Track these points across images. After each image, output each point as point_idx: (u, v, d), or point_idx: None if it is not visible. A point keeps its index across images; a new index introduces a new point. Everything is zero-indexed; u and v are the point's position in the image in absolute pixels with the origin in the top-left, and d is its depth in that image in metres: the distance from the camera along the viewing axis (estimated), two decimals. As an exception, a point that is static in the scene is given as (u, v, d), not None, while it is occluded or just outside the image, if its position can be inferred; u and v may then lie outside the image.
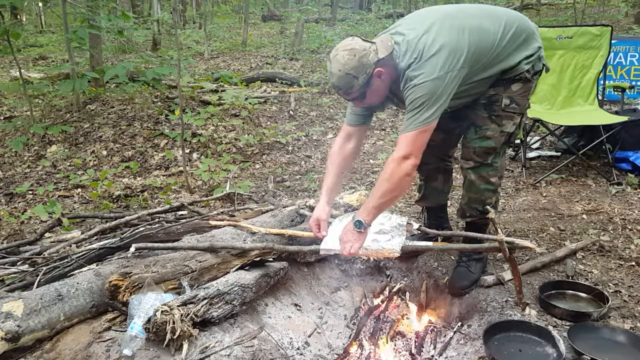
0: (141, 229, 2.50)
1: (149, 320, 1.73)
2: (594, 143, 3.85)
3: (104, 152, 4.69)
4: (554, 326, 2.07)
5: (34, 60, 9.56)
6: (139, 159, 4.56)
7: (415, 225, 2.30)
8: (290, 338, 2.08)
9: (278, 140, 4.96)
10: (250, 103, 5.86)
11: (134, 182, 4.08)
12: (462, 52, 1.95)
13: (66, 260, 2.19)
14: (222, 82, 6.97)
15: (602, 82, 4.17)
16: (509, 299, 2.25)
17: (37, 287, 1.95)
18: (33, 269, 2.22)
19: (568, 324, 2.07)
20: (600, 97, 4.16)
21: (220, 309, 1.88)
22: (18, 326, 1.68)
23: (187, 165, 4.16)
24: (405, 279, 2.60)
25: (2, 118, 5.74)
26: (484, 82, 2.12)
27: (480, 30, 2.02)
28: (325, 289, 2.51)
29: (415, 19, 2.11)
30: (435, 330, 2.26)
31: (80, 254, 2.22)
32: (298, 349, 2.05)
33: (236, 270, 2.10)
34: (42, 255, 2.39)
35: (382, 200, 2.00)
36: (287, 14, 15.87)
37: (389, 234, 2.15)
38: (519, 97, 2.16)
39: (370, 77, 1.94)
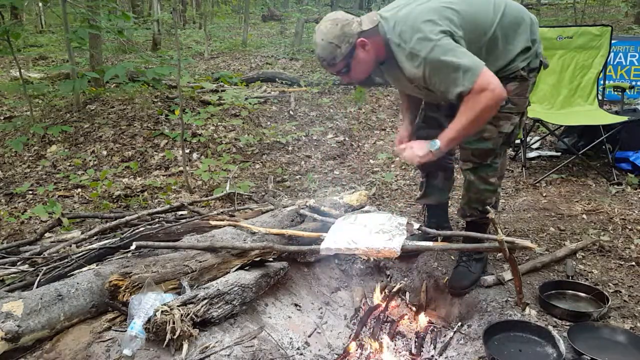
0: (141, 229, 2.50)
1: (149, 320, 1.73)
2: (594, 143, 3.85)
3: (104, 152, 4.69)
4: (554, 326, 2.07)
5: (34, 60, 9.56)
6: (139, 159, 4.56)
7: (416, 225, 2.30)
8: (290, 338, 2.08)
9: (278, 140, 4.96)
10: (250, 103, 5.86)
11: (134, 182, 4.08)
12: (453, 15, 1.93)
13: (66, 260, 2.19)
14: (222, 82, 6.97)
15: (602, 82, 4.17)
16: (509, 299, 2.25)
17: (37, 287, 1.95)
18: (33, 269, 2.22)
19: (568, 324, 2.07)
20: (600, 97, 4.16)
21: (220, 309, 1.88)
22: (18, 326, 1.68)
23: (187, 165, 4.16)
24: (405, 279, 2.60)
25: (2, 118, 5.75)
26: None
27: (475, 7, 2.01)
28: (325, 289, 2.51)
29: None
30: (435, 330, 2.26)
31: (80, 254, 2.22)
32: (298, 349, 2.05)
33: (236, 270, 2.10)
34: (42, 255, 2.39)
35: (462, 134, 1.99)
36: (287, 14, 15.89)
37: (389, 234, 2.15)
38: (516, 97, 2.14)
39: (353, 47, 1.96)
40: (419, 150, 2.10)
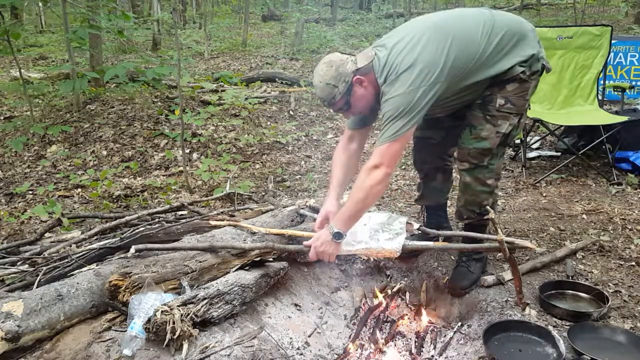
0: (141, 229, 2.50)
1: (149, 320, 1.73)
2: (594, 143, 3.85)
3: (104, 152, 4.69)
4: (554, 326, 2.07)
5: (34, 60, 9.56)
6: (139, 159, 4.56)
7: (416, 225, 2.30)
8: (290, 338, 2.08)
9: (278, 140, 4.96)
10: (250, 103, 5.86)
11: (134, 182, 4.08)
12: (437, 67, 1.96)
13: (66, 260, 2.19)
14: (222, 82, 6.97)
15: (602, 82, 4.17)
16: (509, 298, 2.25)
17: (37, 287, 1.95)
18: (33, 269, 2.22)
19: (568, 324, 2.07)
20: (600, 97, 4.16)
21: (220, 309, 1.88)
22: (18, 326, 1.68)
23: (187, 165, 4.16)
24: (405, 279, 2.60)
25: (2, 118, 5.74)
26: (473, 88, 2.12)
27: (463, 41, 2.03)
28: (325, 289, 2.51)
29: (400, 32, 2.13)
30: (435, 330, 2.26)
31: (80, 254, 2.22)
32: (298, 349, 2.05)
33: (236, 270, 2.10)
34: (42, 255, 2.39)
35: (356, 209, 2.06)
36: (287, 14, 15.87)
37: (389, 234, 2.15)
38: (515, 97, 2.14)
39: (350, 85, 2.03)
40: (331, 251, 2.08)
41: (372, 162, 2.00)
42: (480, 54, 2.05)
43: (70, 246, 2.44)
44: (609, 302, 2.13)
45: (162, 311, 1.73)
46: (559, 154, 4.32)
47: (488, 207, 2.07)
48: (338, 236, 2.05)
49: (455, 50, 1.99)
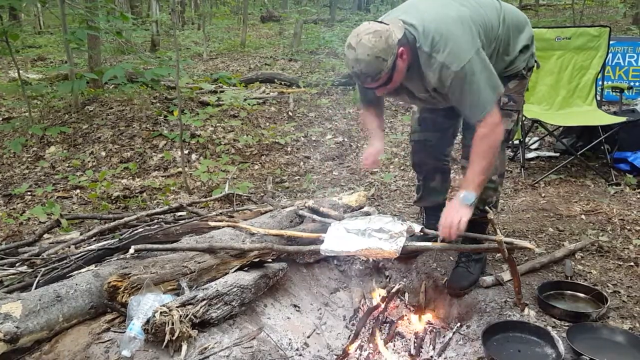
0: (140, 230, 2.49)
1: (147, 321, 1.73)
2: (593, 144, 3.86)
3: (103, 153, 4.68)
4: (553, 327, 2.07)
5: (32, 61, 9.54)
6: (137, 160, 4.55)
7: (418, 228, 2.29)
8: (290, 339, 2.08)
9: (277, 141, 4.96)
10: (249, 104, 5.85)
11: (132, 183, 4.07)
12: (480, 26, 1.98)
13: (65, 261, 2.18)
14: (220, 83, 6.97)
15: (600, 82, 4.18)
16: (508, 299, 2.25)
17: (35, 288, 1.95)
18: (32, 270, 2.22)
19: (567, 324, 2.07)
20: (598, 98, 4.17)
21: (219, 310, 1.88)
22: (17, 327, 1.67)
23: (185, 166, 4.16)
24: (405, 279, 2.60)
25: (0, 119, 5.74)
26: None
27: (487, 15, 2.06)
28: (324, 290, 2.51)
29: (416, 3, 2.06)
30: (434, 330, 2.26)
31: (79, 255, 2.21)
32: (297, 349, 2.05)
33: (235, 271, 2.10)
34: (40, 257, 2.38)
35: (486, 175, 2.04)
36: (286, 15, 15.90)
37: (389, 234, 2.15)
38: (515, 95, 2.22)
39: (396, 58, 1.87)
40: (461, 215, 1.98)
41: (487, 128, 1.96)
42: (498, 37, 2.07)
43: (69, 247, 2.44)
44: (608, 303, 2.13)
45: (161, 312, 1.73)
46: (557, 154, 4.33)
47: (487, 208, 2.07)
48: (472, 200, 2.00)
49: (481, 18, 2.01)
